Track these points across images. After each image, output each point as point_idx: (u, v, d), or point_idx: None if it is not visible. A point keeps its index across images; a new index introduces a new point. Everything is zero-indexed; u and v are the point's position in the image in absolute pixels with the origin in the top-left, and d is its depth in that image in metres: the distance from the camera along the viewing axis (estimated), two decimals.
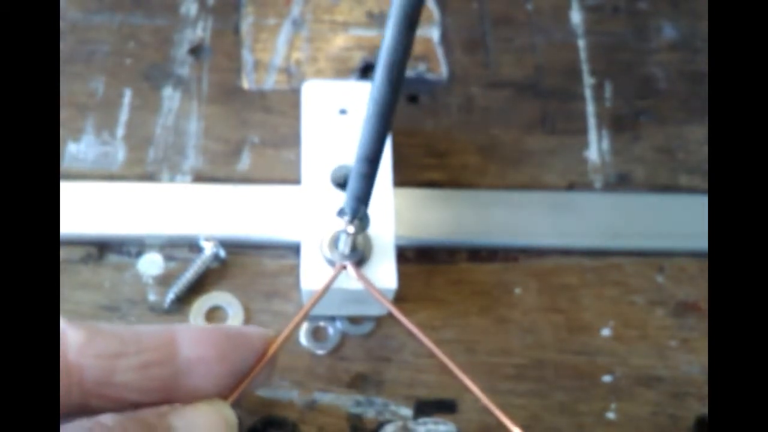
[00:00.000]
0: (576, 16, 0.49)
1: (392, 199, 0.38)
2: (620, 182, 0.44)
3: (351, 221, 0.34)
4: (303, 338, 0.39)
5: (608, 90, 0.47)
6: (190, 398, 0.28)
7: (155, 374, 0.27)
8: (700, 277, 0.42)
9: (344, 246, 0.35)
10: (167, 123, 0.44)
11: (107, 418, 0.26)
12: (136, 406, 0.27)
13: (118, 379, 0.27)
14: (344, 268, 0.35)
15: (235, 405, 0.29)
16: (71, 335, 0.27)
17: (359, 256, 0.36)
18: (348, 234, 0.34)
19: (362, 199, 0.32)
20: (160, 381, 0.27)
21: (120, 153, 0.43)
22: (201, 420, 0.27)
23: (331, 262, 0.36)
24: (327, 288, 0.35)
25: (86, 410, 0.26)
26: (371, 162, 0.30)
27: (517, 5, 0.49)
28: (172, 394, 0.28)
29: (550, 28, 0.48)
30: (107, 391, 0.27)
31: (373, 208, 0.37)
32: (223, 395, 0.29)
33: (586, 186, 0.44)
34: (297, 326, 0.32)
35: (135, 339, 0.27)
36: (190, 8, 0.47)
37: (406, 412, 0.38)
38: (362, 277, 0.35)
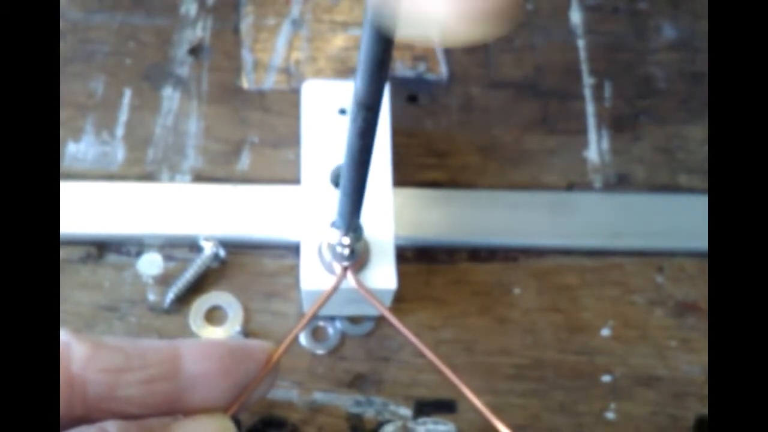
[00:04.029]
0: (576, 16, 0.49)
1: (392, 199, 0.38)
2: (620, 182, 0.44)
3: (345, 233, 0.34)
4: (303, 338, 0.39)
5: (608, 90, 0.47)
6: (192, 412, 0.28)
7: (159, 389, 0.27)
8: (700, 277, 0.42)
9: (342, 251, 0.35)
10: (167, 123, 0.44)
11: (110, 425, 0.26)
12: (138, 420, 0.27)
13: (121, 394, 0.27)
14: (346, 270, 0.35)
15: (238, 412, 0.29)
16: (76, 348, 0.27)
17: (358, 258, 0.36)
18: (343, 245, 0.34)
19: (355, 197, 0.32)
20: (163, 395, 0.27)
21: (119, 153, 0.43)
22: (201, 430, 0.28)
23: (330, 267, 0.36)
24: (328, 297, 0.34)
25: (88, 424, 0.27)
26: (363, 153, 0.29)
27: None
28: (174, 409, 0.28)
29: (550, 28, 0.48)
30: (110, 405, 0.27)
31: (373, 209, 0.38)
32: (225, 408, 0.29)
33: (586, 186, 0.44)
34: (296, 335, 0.32)
35: (139, 353, 0.27)
36: (190, 8, 0.47)
37: (406, 412, 0.38)
38: (359, 283, 0.35)
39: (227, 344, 0.29)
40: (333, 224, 0.34)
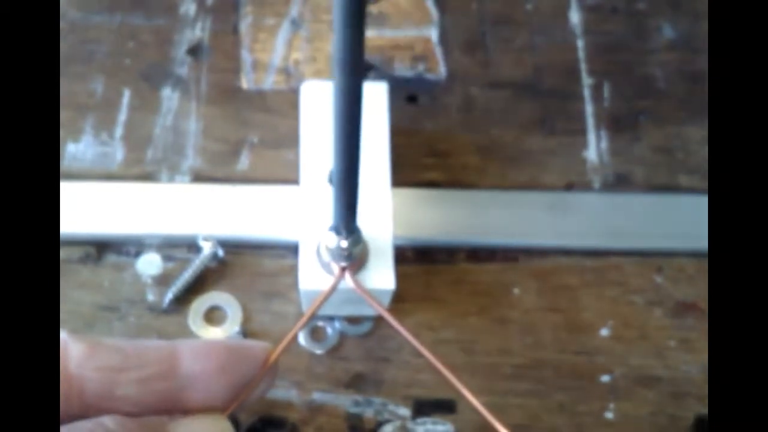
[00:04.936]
0: (575, 16, 0.49)
1: (390, 199, 0.38)
2: (619, 182, 0.44)
3: (343, 237, 0.34)
4: (302, 338, 0.39)
5: (607, 90, 0.47)
6: (190, 412, 0.28)
7: (156, 388, 0.27)
8: (699, 277, 0.42)
9: (341, 252, 0.35)
10: (166, 123, 0.44)
11: (108, 420, 0.26)
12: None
13: (118, 393, 0.27)
14: (344, 270, 0.35)
15: (236, 412, 0.29)
16: (73, 348, 0.27)
17: (356, 259, 0.36)
18: (342, 248, 0.34)
19: (349, 206, 0.32)
20: (160, 395, 0.27)
21: (119, 153, 0.43)
22: (198, 429, 0.28)
23: (328, 267, 0.36)
24: (326, 297, 0.34)
25: None
26: (347, 166, 0.30)
27: (516, 5, 0.49)
28: (173, 408, 0.28)
29: (550, 28, 0.48)
30: (108, 405, 0.27)
31: (371, 209, 0.38)
32: (223, 408, 0.29)
33: (585, 186, 0.44)
34: (295, 335, 0.32)
35: (137, 353, 0.27)
36: (189, 8, 0.47)
37: (405, 412, 0.38)
38: (357, 284, 0.35)
39: (226, 344, 0.29)
40: (331, 228, 0.34)
